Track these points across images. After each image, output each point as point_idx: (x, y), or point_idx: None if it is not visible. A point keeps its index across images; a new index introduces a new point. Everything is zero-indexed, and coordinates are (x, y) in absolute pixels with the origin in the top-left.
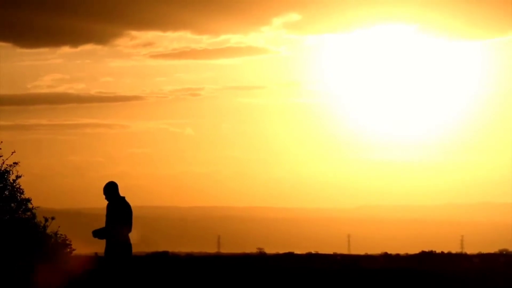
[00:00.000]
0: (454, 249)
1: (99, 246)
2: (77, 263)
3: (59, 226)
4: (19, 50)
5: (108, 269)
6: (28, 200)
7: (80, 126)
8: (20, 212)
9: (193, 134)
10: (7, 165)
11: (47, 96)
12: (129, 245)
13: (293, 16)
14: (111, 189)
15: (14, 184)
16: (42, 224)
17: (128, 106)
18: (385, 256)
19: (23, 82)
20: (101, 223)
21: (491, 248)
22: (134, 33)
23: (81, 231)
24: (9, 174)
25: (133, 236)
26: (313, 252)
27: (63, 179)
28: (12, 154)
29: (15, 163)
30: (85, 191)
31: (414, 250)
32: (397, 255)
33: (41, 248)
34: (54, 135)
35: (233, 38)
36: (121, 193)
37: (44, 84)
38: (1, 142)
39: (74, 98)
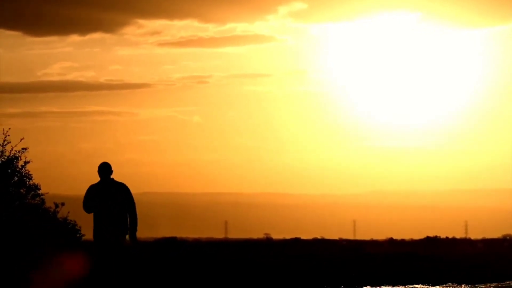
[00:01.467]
0: (458, 234)
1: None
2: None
3: (68, 212)
4: (29, 39)
5: (123, 258)
6: (37, 187)
7: (89, 113)
8: (29, 197)
9: (201, 121)
10: (16, 151)
11: (56, 84)
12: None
13: (298, 5)
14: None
15: (23, 170)
16: (52, 210)
17: (137, 94)
18: (390, 241)
19: (33, 70)
20: None
21: (495, 233)
22: (141, 21)
23: (90, 216)
24: (18, 160)
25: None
26: (319, 237)
27: (73, 165)
28: (21, 141)
29: (24, 149)
30: (94, 178)
31: (419, 235)
32: (402, 240)
33: (52, 234)
34: (63, 122)
35: (239, 27)
36: (131, 180)
37: (54, 72)
38: (9, 129)
39: (83, 86)
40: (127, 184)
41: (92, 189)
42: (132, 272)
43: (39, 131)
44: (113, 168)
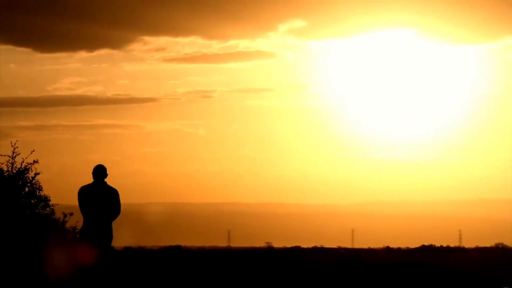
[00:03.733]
0: (453, 243)
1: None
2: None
3: (77, 221)
4: (39, 55)
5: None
6: (47, 198)
7: (97, 126)
8: (39, 208)
9: (205, 134)
10: (27, 163)
11: (66, 98)
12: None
13: (298, 23)
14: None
15: (33, 181)
16: (61, 220)
17: (143, 108)
18: (387, 250)
19: (43, 85)
20: (117, 220)
21: (488, 242)
22: (147, 38)
23: None
24: (29, 171)
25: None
26: (318, 246)
27: (81, 176)
28: (31, 153)
29: (35, 161)
30: None
31: (414, 244)
32: (399, 249)
33: (58, 240)
34: (73, 135)
35: (241, 43)
36: (137, 190)
37: (63, 86)
38: (17, 141)
39: (92, 100)
40: (133, 194)
41: (86, 190)
42: (138, 278)
43: (49, 143)
44: (120, 179)
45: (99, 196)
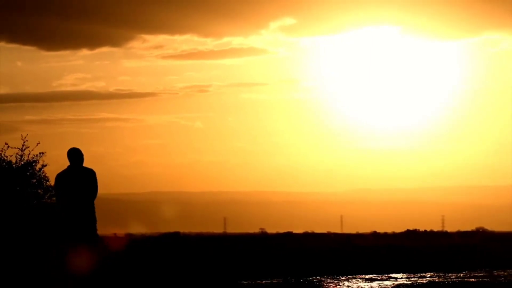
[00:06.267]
0: (436, 227)
1: (119, 227)
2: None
3: None
4: (43, 53)
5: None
6: (53, 187)
7: (100, 120)
8: (46, 197)
9: (202, 126)
10: (34, 155)
11: (70, 94)
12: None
13: (288, 20)
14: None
15: (41, 172)
16: None
17: (143, 102)
18: (374, 234)
19: (49, 81)
20: (120, 208)
21: (469, 226)
22: (145, 36)
23: (100, 215)
24: (36, 163)
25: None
26: (309, 231)
27: None
28: (37, 145)
29: (41, 153)
30: (105, 179)
31: (400, 228)
32: (385, 233)
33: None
34: (77, 128)
35: (235, 40)
36: (138, 180)
37: (68, 82)
38: (27, 134)
39: (95, 95)
40: (134, 183)
41: (63, 176)
42: (137, 267)
43: (55, 136)
44: (122, 169)
45: (76, 179)
